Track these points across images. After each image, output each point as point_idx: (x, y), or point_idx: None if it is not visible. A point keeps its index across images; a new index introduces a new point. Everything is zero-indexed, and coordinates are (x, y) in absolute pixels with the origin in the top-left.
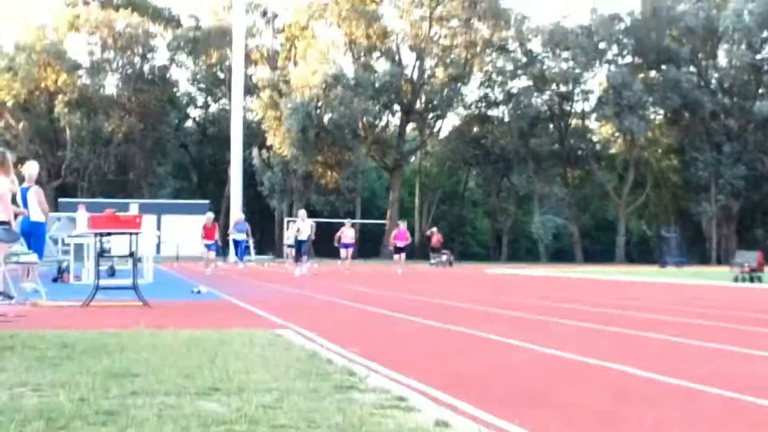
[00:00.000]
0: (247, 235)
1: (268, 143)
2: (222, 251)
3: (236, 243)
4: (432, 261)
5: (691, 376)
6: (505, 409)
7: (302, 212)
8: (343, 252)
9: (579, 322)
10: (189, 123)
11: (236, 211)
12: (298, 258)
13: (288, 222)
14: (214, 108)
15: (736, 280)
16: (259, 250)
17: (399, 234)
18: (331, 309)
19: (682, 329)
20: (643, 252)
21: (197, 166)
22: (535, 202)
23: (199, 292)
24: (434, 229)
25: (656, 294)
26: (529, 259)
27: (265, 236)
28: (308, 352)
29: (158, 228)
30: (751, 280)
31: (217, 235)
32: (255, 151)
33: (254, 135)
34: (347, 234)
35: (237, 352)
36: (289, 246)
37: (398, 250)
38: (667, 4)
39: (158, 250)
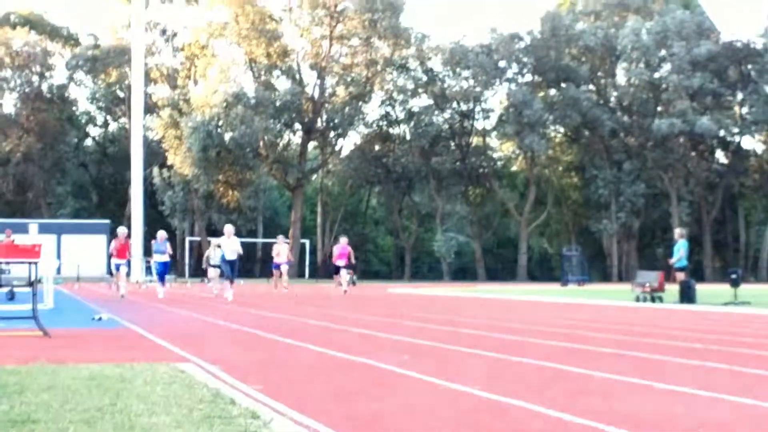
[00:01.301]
0: (169, 255)
1: (169, 162)
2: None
3: (158, 265)
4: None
5: (593, 414)
6: None
7: (229, 228)
8: (275, 272)
9: (481, 351)
10: (89, 142)
11: (137, 228)
12: (230, 279)
13: (211, 241)
14: (113, 127)
15: (637, 300)
16: None
17: (341, 252)
18: (236, 338)
19: (585, 359)
20: (544, 269)
21: (97, 185)
22: (437, 220)
23: (100, 319)
24: None
25: (558, 316)
26: (431, 277)
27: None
28: (211, 390)
29: (58, 248)
30: (653, 300)
31: (129, 254)
32: (156, 171)
33: (155, 154)
34: (281, 251)
35: (139, 393)
36: (212, 266)
37: (338, 269)
38: (566, 23)
39: (59, 271)
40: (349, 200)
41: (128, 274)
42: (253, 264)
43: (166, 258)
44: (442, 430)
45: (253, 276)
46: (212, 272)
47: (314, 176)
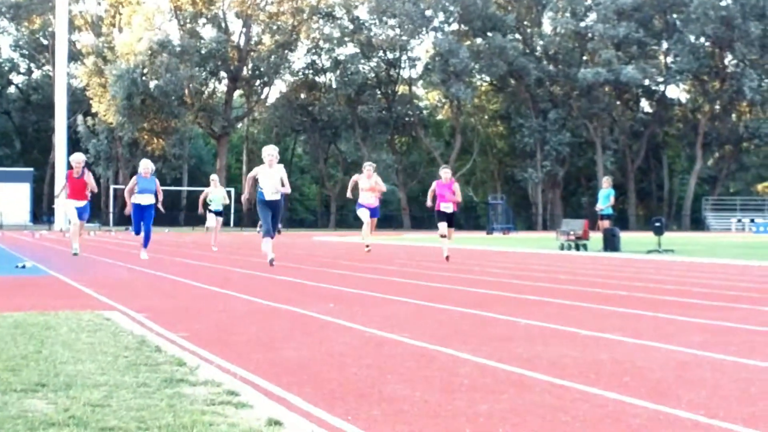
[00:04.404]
0: (157, 197)
1: (94, 110)
2: (48, 219)
3: (139, 211)
4: (258, 229)
5: (519, 361)
6: (337, 404)
7: (271, 151)
8: (364, 214)
9: (407, 299)
10: (12, 90)
11: (61, 177)
12: (273, 231)
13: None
14: (37, 74)
15: (562, 248)
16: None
17: (444, 190)
18: (162, 286)
19: (510, 306)
20: (470, 218)
21: (21, 133)
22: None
23: (23, 266)
24: None
25: (483, 264)
26: (357, 226)
27: (91, 204)
28: (137, 338)
29: None
30: (577, 248)
31: (88, 192)
32: (80, 118)
33: (79, 102)
34: (369, 185)
35: (64, 340)
36: (212, 212)
37: (444, 216)
38: None
39: None
40: None
41: (88, 221)
42: (178, 212)
43: (151, 199)
44: (368, 377)
45: (178, 224)
46: (211, 219)
47: (240, 124)
